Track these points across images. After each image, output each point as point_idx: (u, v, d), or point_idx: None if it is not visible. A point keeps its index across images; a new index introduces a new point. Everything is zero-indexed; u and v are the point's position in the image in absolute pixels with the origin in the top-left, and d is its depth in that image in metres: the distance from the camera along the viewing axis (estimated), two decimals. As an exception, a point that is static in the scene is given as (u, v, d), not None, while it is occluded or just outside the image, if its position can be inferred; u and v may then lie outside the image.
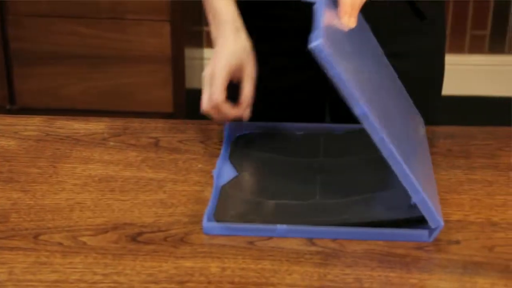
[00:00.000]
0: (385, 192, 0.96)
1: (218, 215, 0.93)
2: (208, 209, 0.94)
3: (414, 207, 0.91)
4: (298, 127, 1.14)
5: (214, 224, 0.92)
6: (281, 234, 0.91)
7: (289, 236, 0.91)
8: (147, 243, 0.90)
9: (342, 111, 1.28)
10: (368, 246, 0.90)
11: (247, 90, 1.07)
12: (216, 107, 1.06)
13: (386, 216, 0.92)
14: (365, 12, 1.16)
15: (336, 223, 0.91)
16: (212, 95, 1.05)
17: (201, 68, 2.53)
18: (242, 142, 1.10)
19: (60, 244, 0.90)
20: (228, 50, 1.07)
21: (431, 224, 0.89)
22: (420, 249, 0.89)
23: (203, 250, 0.89)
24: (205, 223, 0.92)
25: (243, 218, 0.93)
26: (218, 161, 1.05)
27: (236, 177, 1.02)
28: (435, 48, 1.25)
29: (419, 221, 0.90)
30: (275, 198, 0.97)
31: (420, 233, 0.90)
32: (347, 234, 0.91)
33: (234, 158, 1.06)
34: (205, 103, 1.06)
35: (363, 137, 1.10)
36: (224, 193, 0.98)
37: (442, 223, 0.89)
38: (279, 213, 0.94)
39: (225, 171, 1.04)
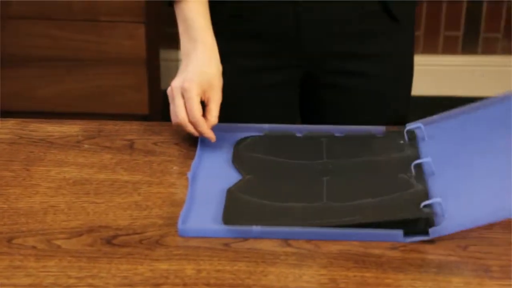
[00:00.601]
0: (392, 195, 0.97)
1: (227, 219, 0.92)
2: (183, 211, 0.94)
3: (420, 210, 0.92)
4: (297, 129, 1.14)
5: (189, 227, 0.92)
6: (256, 235, 0.91)
7: (265, 237, 0.91)
8: (122, 246, 0.90)
9: (312, 113, 1.29)
10: (343, 247, 0.90)
11: (215, 114, 1.07)
12: (194, 124, 1.06)
13: (395, 217, 0.92)
14: (336, 12, 1.17)
15: (347, 225, 0.92)
16: (191, 112, 1.05)
17: (177, 70, 2.52)
18: (243, 145, 1.09)
19: (34, 247, 0.90)
20: (201, 70, 1.07)
21: (433, 232, 0.90)
22: (395, 249, 0.90)
23: (179, 252, 0.89)
24: (180, 225, 0.92)
25: (254, 222, 0.92)
26: (193, 164, 1.05)
27: (241, 180, 1.01)
28: (404, 49, 1.26)
29: (420, 224, 0.92)
30: (284, 201, 0.97)
31: (395, 234, 0.91)
32: (323, 235, 0.91)
33: (237, 162, 1.06)
34: (182, 117, 1.06)
35: (364, 140, 1.11)
36: (231, 196, 0.97)
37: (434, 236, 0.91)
38: (290, 216, 0.94)
39: (200, 174, 1.03)
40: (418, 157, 1.04)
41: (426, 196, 0.96)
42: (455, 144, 1.06)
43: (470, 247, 0.90)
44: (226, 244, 0.90)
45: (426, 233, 0.90)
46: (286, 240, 0.91)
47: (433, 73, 2.65)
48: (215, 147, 1.10)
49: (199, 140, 1.10)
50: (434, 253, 0.89)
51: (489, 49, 2.70)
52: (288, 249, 0.90)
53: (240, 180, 1.01)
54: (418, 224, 0.91)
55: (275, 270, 0.86)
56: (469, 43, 2.70)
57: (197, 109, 1.05)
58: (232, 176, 1.03)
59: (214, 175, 1.04)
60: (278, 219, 0.93)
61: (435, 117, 1.13)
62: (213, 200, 0.98)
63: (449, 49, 2.69)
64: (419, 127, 1.10)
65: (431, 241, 0.91)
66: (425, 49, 2.67)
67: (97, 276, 0.85)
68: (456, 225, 0.90)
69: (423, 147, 1.07)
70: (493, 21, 2.64)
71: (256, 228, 0.91)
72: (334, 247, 0.90)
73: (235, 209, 0.95)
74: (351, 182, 1.01)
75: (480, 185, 0.96)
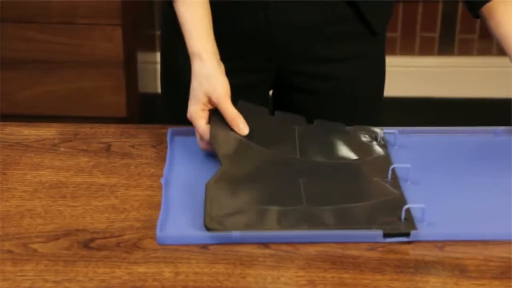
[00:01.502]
0: (371, 200, 0.97)
1: (209, 224, 0.91)
2: (160, 218, 0.93)
3: (401, 213, 0.93)
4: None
5: (168, 234, 0.91)
6: (236, 240, 0.90)
7: (245, 242, 0.91)
8: (100, 249, 0.90)
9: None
10: (321, 248, 0.90)
11: (228, 112, 1.05)
12: (193, 124, 1.06)
13: (377, 224, 0.93)
14: (307, 16, 1.17)
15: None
16: (189, 113, 1.06)
17: (154, 72, 2.52)
18: (219, 121, 1.06)
19: (10, 251, 0.89)
20: (193, 86, 1.07)
21: (414, 236, 0.91)
22: (373, 249, 0.90)
23: (156, 255, 0.89)
24: (159, 233, 0.91)
25: (235, 225, 0.91)
26: (165, 169, 1.04)
27: (217, 174, 0.99)
28: (376, 52, 1.26)
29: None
30: (264, 202, 0.96)
31: (374, 234, 0.91)
32: (303, 237, 0.91)
33: (214, 139, 1.03)
34: (187, 115, 1.07)
35: (336, 135, 1.11)
36: (210, 194, 0.96)
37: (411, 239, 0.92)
38: (271, 220, 0.93)
39: (174, 178, 1.03)
40: (390, 163, 1.05)
41: (404, 201, 0.96)
42: (431, 158, 1.08)
43: (447, 247, 0.91)
44: (204, 247, 0.90)
45: (406, 235, 0.91)
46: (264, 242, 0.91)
47: (410, 74, 2.67)
48: (185, 150, 1.09)
49: (168, 143, 1.10)
50: (411, 254, 0.90)
51: (465, 50, 2.72)
52: (266, 251, 0.90)
53: (216, 174, 1.00)
54: (399, 227, 0.92)
55: (253, 272, 0.86)
56: (445, 44, 2.72)
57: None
58: (205, 178, 1.02)
59: (188, 178, 1.03)
60: (260, 223, 0.93)
61: (410, 128, 1.14)
62: (190, 203, 0.97)
63: (425, 50, 2.71)
64: (393, 134, 1.11)
65: (408, 242, 0.91)
66: (402, 50, 2.68)
67: (74, 280, 0.85)
68: (442, 234, 0.92)
69: (394, 154, 1.08)
70: (469, 23, 2.66)
71: (236, 233, 0.91)
72: (312, 249, 0.90)
73: (215, 213, 0.94)
74: (328, 184, 1.01)
75: (468, 203, 0.98)
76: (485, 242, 0.91)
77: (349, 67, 1.22)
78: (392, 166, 1.02)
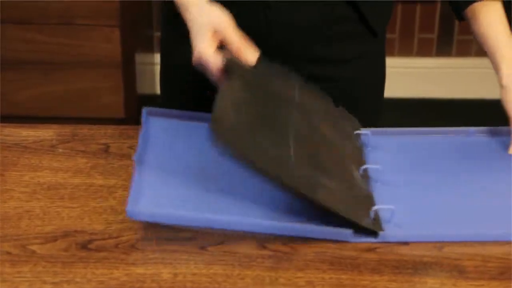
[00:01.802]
0: (346, 190, 0.97)
1: (217, 126, 0.89)
2: (132, 194, 0.92)
3: (370, 213, 0.93)
4: None
5: (140, 210, 0.91)
6: (206, 224, 0.91)
7: (214, 227, 0.91)
8: (98, 250, 0.90)
9: None
10: (319, 249, 0.90)
11: (235, 40, 1.02)
12: (202, 60, 1.02)
13: (351, 217, 0.92)
14: (307, 16, 1.17)
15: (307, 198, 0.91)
16: (198, 49, 1.02)
17: (152, 73, 2.52)
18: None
19: (9, 253, 0.89)
20: (195, 28, 1.04)
21: (384, 237, 0.91)
22: (371, 250, 0.90)
23: (155, 256, 0.89)
24: (130, 207, 0.90)
25: (236, 144, 0.89)
26: (138, 147, 1.03)
27: (228, 84, 0.97)
28: (376, 53, 1.26)
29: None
30: (262, 132, 0.94)
31: (344, 233, 0.91)
32: (272, 228, 0.91)
33: (227, 62, 1.01)
34: (194, 59, 1.03)
35: (326, 106, 1.11)
36: (223, 96, 0.93)
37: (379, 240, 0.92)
38: (266, 160, 0.91)
39: (147, 157, 1.02)
40: (363, 161, 1.05)
41: (372, 202, 0.96)
42: (403, 159, 1.08)
43: (445, 247, 0.91)
44: (202, 248, 0.90)
45: (374, 235, 0.91)
46: (262, 243, 0.91)
47: (408, 75, 2.67)
48: (160, 131, 1.09)
49: (142, 123, 1.10)
50: (409, 254, 0.90)
51: (463, 51, 2.72)
52: (265, 252, 0.90)
53: (227, 83, 0.97)
54: (367, 226, 0.92)
55: (251, 273, 0.86)
56: (444, 46, 2.72)
57: (204, 46, 1.02)
58: (178, 158, 1.00)
59: (161, 157, 1.03)
60: (255, 159, 0.90)
61: (384, 129, 1.15)
62: (162, 182, 0.97)
63: (423, 51, 2.71)
64: (366, 135, 1.11)
65: (406, 243, 0.91)
66: (400, 51, 2.68)
67: (72, 281, 0.85)
68: (410, 235, 0.92)
69: (367, 155, 1.08)
70: (467, 24, 2.67)
71: (208, 216, 0.90)
72: (310, 250, 0.90)
73: (225, 118, 0.91)
74: (312, 152, 0.99)
75: (440, 204, 0.98)
76: (483, 243, 0.91)
77: (349, 68, 1.22)
78: (363, 167, 1.02)
